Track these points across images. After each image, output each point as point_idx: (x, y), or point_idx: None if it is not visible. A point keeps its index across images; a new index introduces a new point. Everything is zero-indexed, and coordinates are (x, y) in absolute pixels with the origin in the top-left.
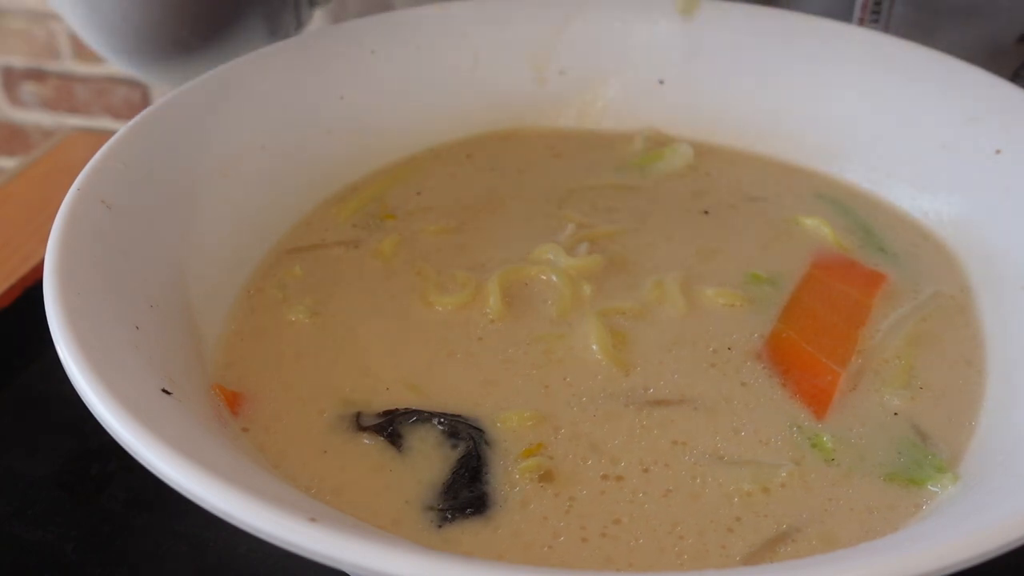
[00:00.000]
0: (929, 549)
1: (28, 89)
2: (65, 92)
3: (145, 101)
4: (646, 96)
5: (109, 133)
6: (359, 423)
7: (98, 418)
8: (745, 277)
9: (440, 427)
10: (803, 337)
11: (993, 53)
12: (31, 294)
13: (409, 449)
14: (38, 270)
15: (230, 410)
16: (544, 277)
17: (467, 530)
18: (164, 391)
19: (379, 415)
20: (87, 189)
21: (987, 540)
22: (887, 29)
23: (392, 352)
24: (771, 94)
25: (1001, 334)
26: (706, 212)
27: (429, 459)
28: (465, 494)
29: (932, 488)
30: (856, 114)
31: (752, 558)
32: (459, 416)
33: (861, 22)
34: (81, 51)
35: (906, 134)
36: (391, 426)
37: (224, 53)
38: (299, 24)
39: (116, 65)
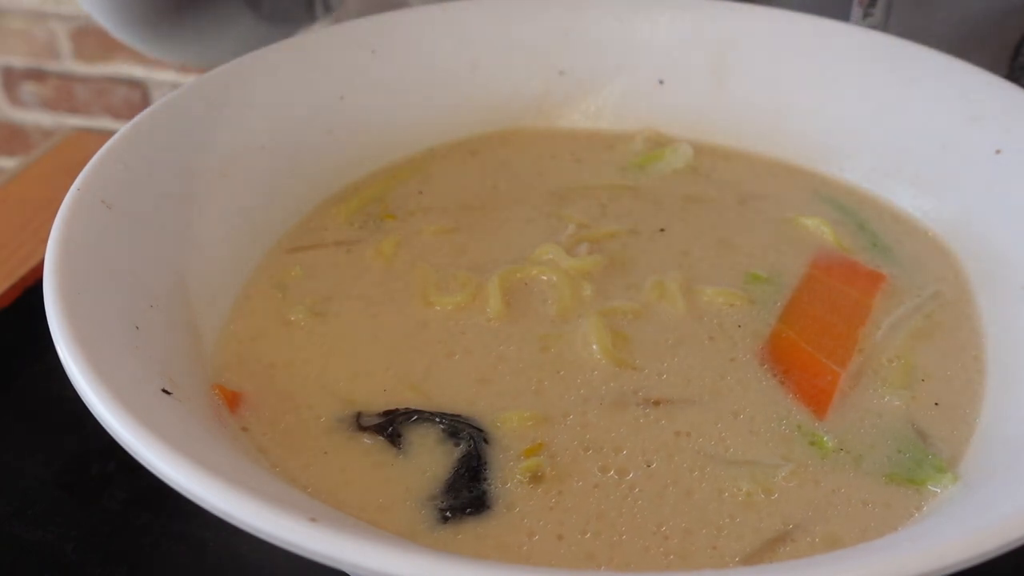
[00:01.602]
0: (929, 549)
1: (28, 89)
2: (65, 92)
3: (145, 101)
4: (646, 96)
5: (109, 133)
6: (359, 423)
7: (98, 418)
8: (745, 277)
9: (440, 427)
10: (803, 337)
11: (1000, 20)
12: (31, 294)
13: (409, 449)
14: (38, 270)
15: (230, 410)
16: (544, 277)
17: (467, 529)
18: (164, 391)
19: (379, 415)
20: (87, 189)
21: (987, 540)
22: None
23: (392, 352)
24: (771, 94)
25: (1001, 334)
26: (706, 212)
27: (429, 459)
28: (465, 494)
29: (932, 488)
30: (856, 114)
31: (752, 558)
32: (459, 416)
33: None
34: (81, 51)
35: (906, 134)
36: (391, 426)
37: (212, 32)
38: (326, 9)
39: (122, 40)
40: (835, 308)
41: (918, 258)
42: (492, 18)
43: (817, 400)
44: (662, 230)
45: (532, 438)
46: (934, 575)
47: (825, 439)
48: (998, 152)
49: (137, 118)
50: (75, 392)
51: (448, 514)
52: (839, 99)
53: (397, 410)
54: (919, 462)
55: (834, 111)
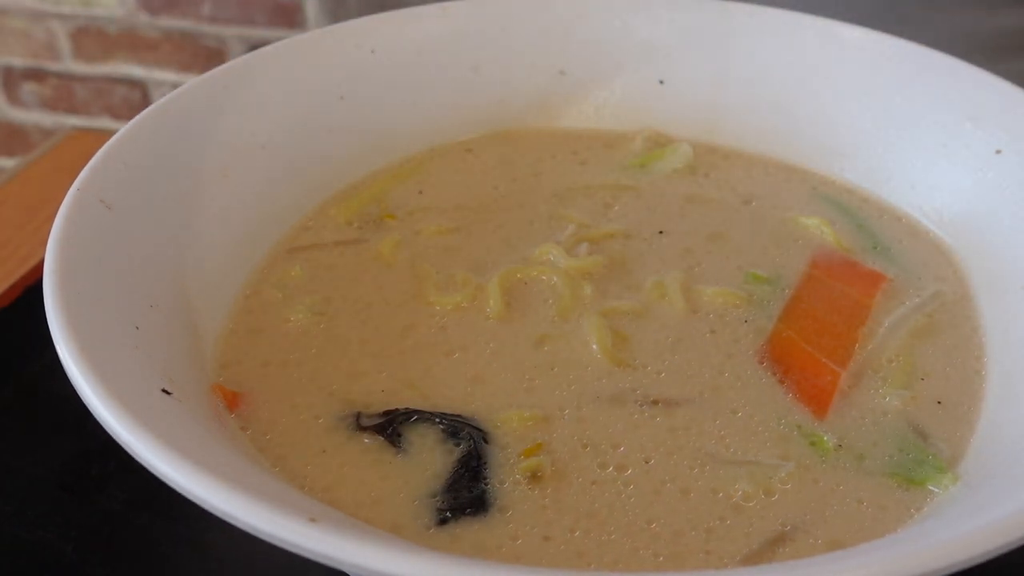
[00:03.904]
0: (929, 549)
1: (28, 89)
2: (65, 92)
3: (145, 101)
4: (646, 96)
5: (109, 133)
6: (359, 423)
7: (98, 418)
8: (745, 277)
9: (440, 427)
10: (803, 337)
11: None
12: (31, 294)
13: (409, 449)
14: (38, 270)
15: (229, 410)
16: (544, 277)
17: (467, 529)
18: (164, 391)
19: (379, 415)
20: (87, 189)
21: (987, 540)
22: None
23: (391, 352)
24: (771, 94)
25: (1001, 334)
26: (706, 212)
27: (429, 459)
28: (465, 494)
29: (932, 488)
30: (856, 114)
31: (752, 558)
32: (459, 416)
33: None
34: (81, 51)
35: (906, 134)
36: (391, 426)
37: None
38: None
39: None
40: (835, 308)
41: (918, 258)
42: (492, 18)
43: (817, 400)
44: (661, 232)
45: (532, 438)
46: (934, 575)
47: (825, 439)
48: (998, 152)
49: (137, 118)
50: (75, 392)
51: (448, 514)
52: (839, 99)
53: (397, 410)
54: (920, 462)
55: (834, 111)
